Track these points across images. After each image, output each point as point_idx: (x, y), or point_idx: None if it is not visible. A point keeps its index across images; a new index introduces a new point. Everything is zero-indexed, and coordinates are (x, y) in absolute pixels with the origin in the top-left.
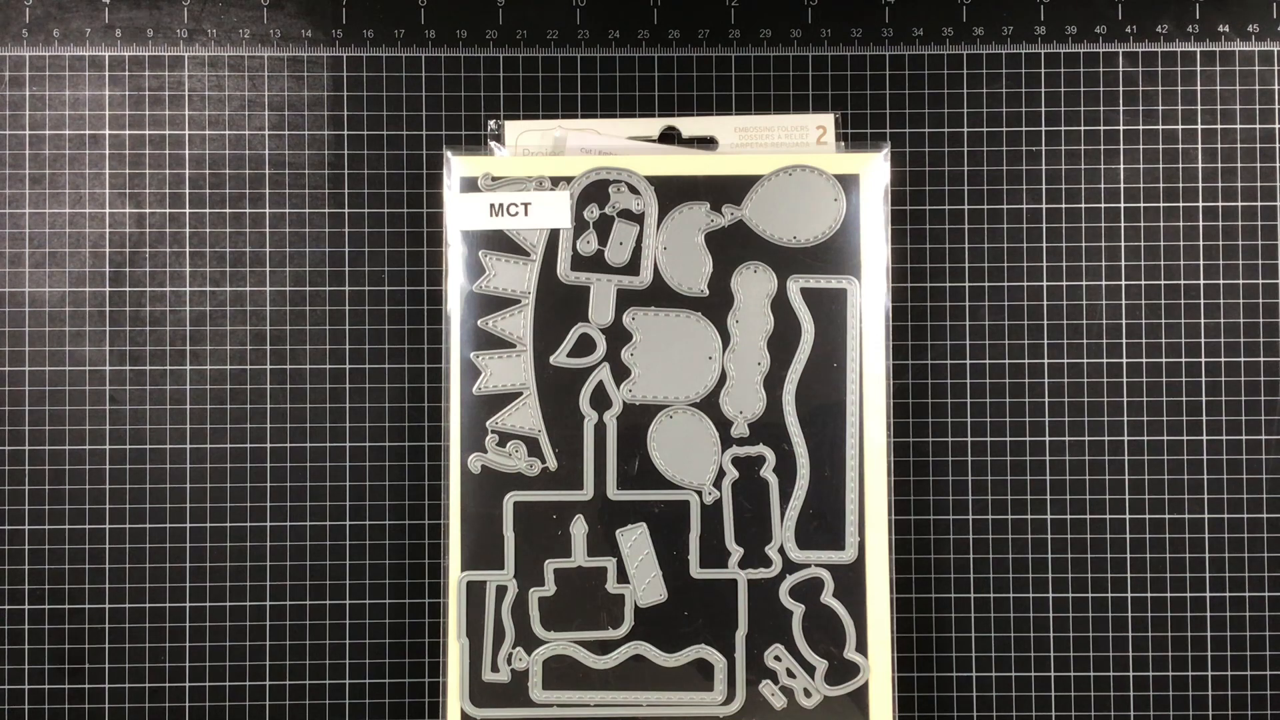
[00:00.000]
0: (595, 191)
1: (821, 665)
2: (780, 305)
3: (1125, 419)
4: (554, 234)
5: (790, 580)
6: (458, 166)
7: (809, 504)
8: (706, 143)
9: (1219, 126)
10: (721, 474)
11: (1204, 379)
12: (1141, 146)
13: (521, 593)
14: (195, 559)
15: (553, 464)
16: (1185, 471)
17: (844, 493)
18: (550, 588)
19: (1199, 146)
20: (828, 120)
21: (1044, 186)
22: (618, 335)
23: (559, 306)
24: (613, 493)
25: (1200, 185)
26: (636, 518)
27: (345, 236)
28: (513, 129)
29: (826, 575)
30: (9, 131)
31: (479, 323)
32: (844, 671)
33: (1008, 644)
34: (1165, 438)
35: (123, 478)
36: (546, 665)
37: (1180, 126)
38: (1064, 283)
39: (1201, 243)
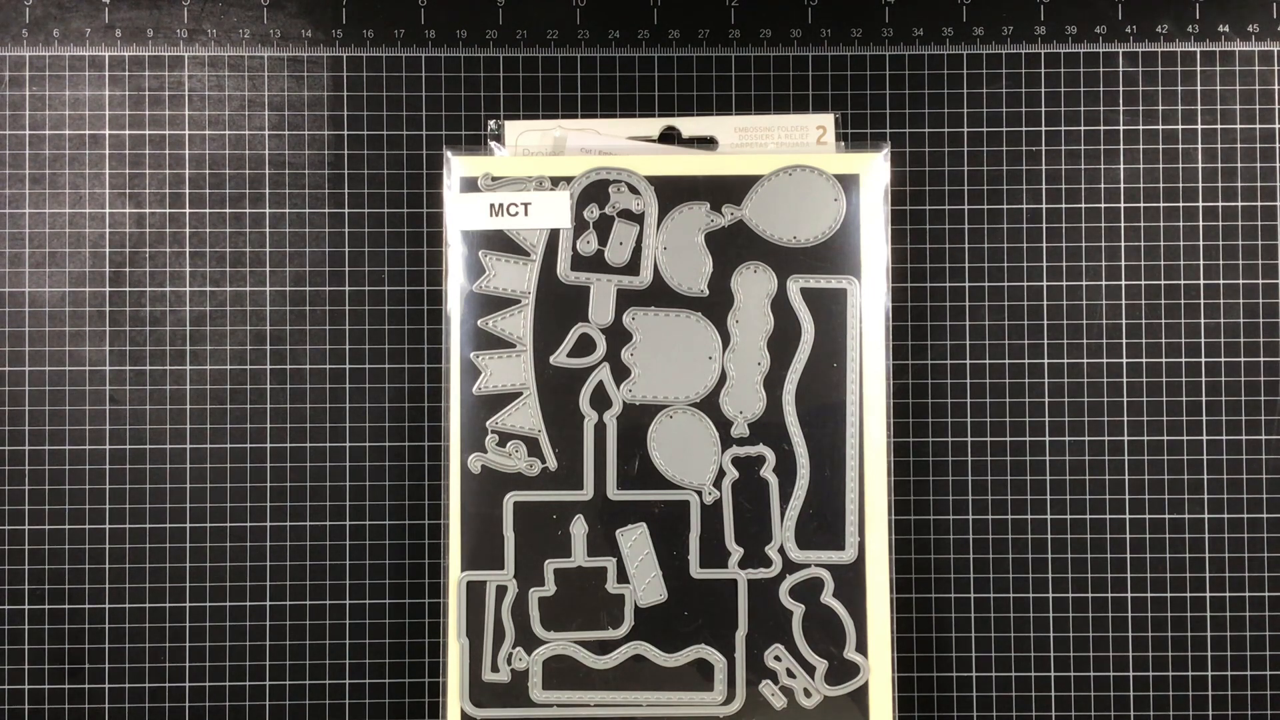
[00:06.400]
0: (595, 191)
1: (821, 665)
2: (780, 305)
3: (1125, 419)
4: (554, 234)
5: (790, 580)
6: (458, 166)
7: (809, 504)
8: (706, 143)
9: (1219, 126)
10: (721, 474)
11: (1204, 379)
12: (1141, 146)
13: (521, 593)
14: (195, 559)
15: (553, 464)
16: (1185, 471)
17: (844, 493)
18: (550, 588)
19: (1199, 146)
20: (828, 120)
21: (1044, 186)
22: (618, 335)
23: (559, 306)
24: (613, 493)
25: (1200, 185)
26: (636, 518)
27: (345, 236)
28: (513, 129)
29: (826, 575)
30: (9, 131)
31: (479, 323)
32: (844, 671)
33: (1008, 644)
34: (1165, 438)
35: (123, 478)
36: (546, 665)
37: (1180, 126)
38: (1064, 283)
39: (1201, 243)
